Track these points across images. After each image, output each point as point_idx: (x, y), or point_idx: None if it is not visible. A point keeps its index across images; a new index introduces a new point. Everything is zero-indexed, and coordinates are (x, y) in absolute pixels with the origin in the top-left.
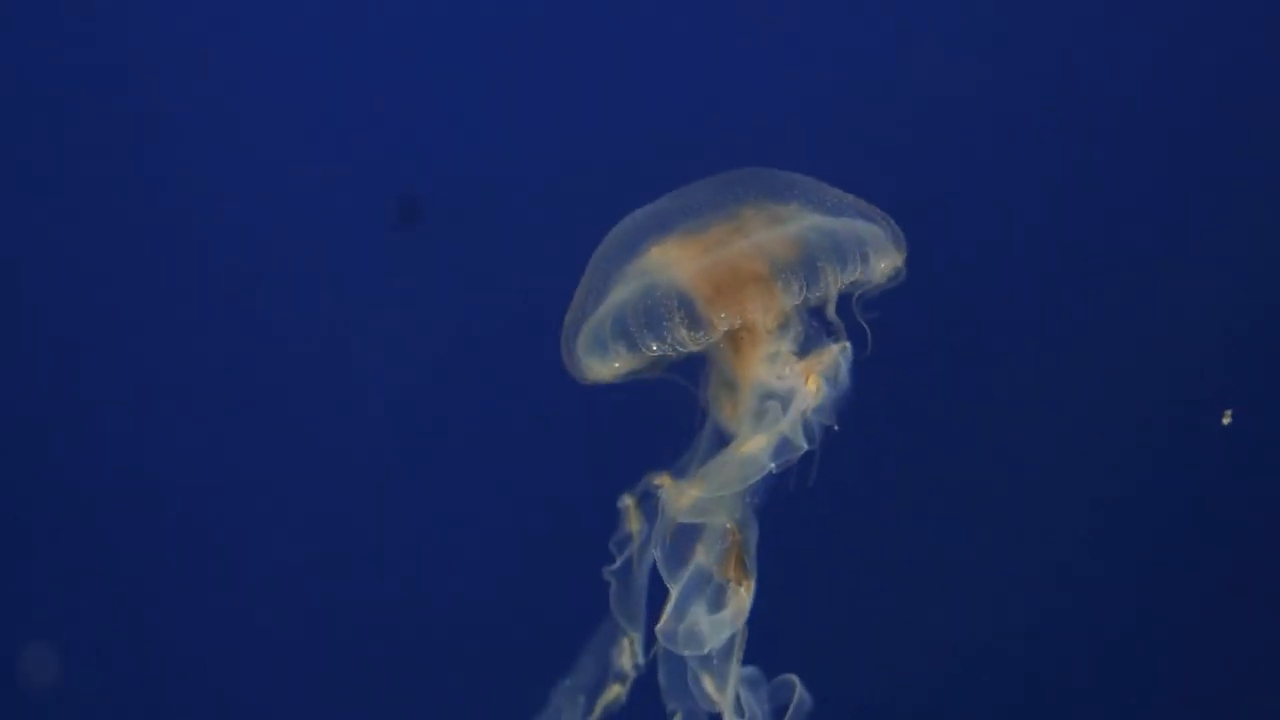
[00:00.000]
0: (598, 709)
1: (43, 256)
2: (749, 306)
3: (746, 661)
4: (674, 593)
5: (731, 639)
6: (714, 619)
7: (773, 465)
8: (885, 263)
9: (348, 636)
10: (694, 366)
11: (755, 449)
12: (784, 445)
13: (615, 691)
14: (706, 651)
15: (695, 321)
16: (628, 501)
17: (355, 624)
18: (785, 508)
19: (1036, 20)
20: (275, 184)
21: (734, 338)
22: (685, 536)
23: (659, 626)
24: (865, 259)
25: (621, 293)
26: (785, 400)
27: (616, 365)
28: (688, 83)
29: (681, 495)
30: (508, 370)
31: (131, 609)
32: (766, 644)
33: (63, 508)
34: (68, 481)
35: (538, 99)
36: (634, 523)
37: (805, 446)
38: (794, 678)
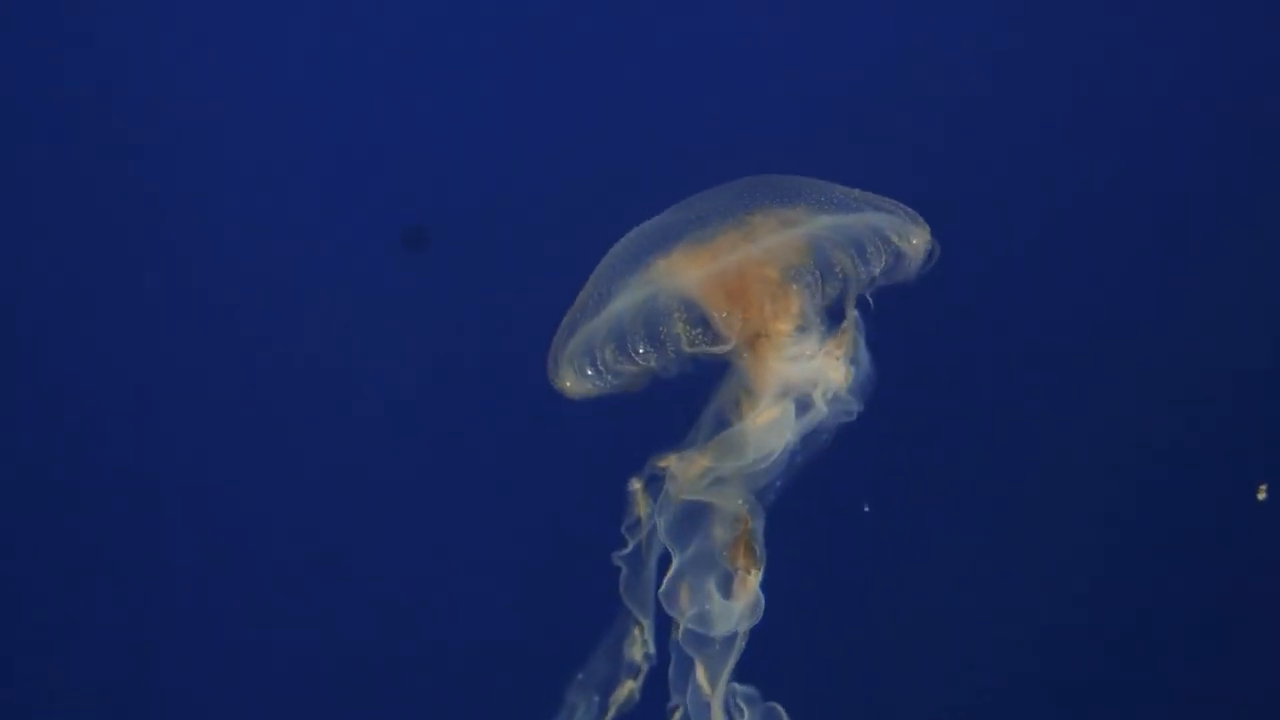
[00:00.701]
0: (611, 707)
1: (47, 270)
2: (762, 312)
3: (748, 662)
4: (676, 560)
5: (732, 641)
6: (724, 604)
7: (791, 437)
8: (915, 240)
9: (354, 644)
10: (689, 380)
11: (770, 420)
12: (801, 415)
13: (628, 688)
14: (713, 634)
15: (708, 330)
16: (636, 485)
17: (362, 632)
18: (792, 508)
19: (1047, 12)
20: (280, 196)
21: (752, 343)
22: (693, 514)
23: (661, 590)
24: (888, 243)
25: (623, 302)
26: (806, 399)
27: (597, 377)
28: (690, 94)
29: (690, 466)
30: (510, 383)
31: (133, 612)
32: (769, 645)
33: (69, 511)
34: (75, 486)
35: (539, 112)
36: (642, 507)
37: (823, 410)
38: (780, 708)
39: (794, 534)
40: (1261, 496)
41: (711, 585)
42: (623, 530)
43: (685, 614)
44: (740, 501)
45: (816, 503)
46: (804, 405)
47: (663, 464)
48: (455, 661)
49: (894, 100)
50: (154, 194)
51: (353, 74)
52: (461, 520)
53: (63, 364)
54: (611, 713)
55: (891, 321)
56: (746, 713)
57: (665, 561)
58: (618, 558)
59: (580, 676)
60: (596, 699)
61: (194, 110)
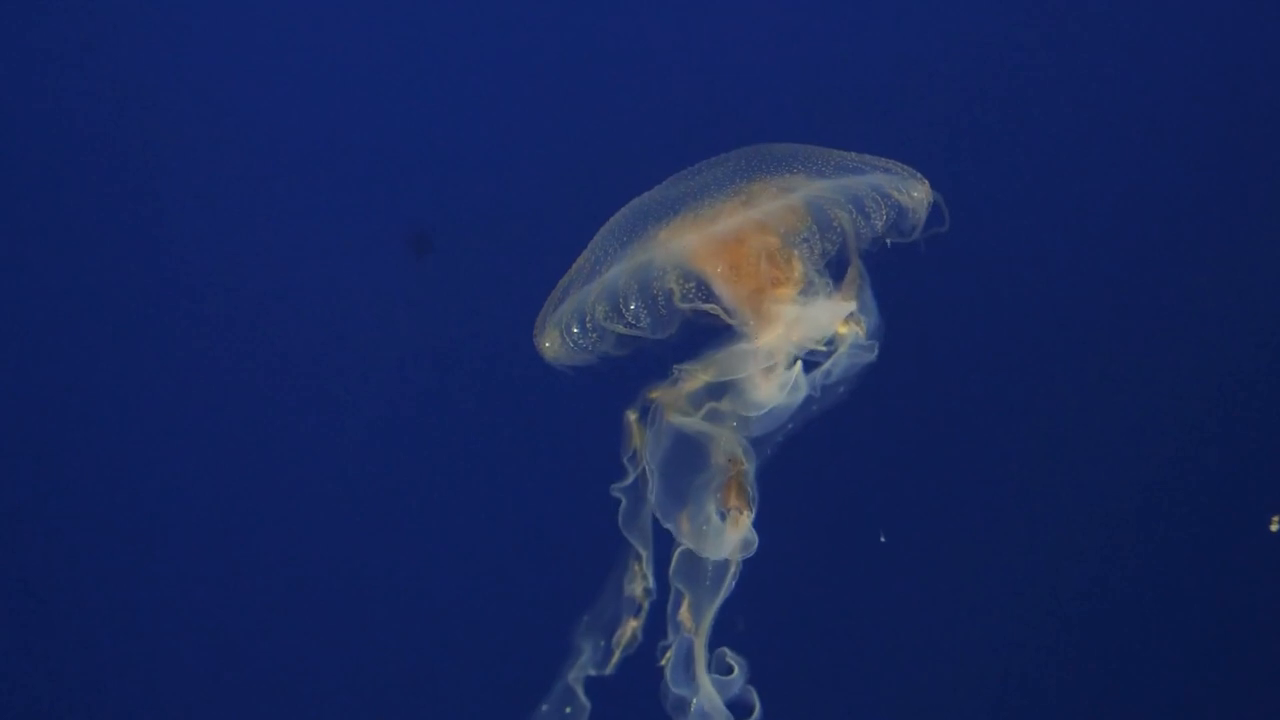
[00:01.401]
0: (616, 650)
1: (48, 276)
2: (764, 277)
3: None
4: (661, 482)
5: (723, 575)
6: (720, 526)
7: (797, 395)
8: (916, 194)
9: (358, 646)
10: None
11: (771, 341)
12: (812, 369)
13: (631, 627)
14: (705, 554)
15: (702, 288)
16: (630, 416)
17: (366, 634)
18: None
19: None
20: (284, 204)
21: (755, 306)
22: (688, 444)
23: (653, 502)
24: (888, 198)
25: (618, 269)
26: (817, 352)
27: (582, 337)
28: (696, 94)
29: (686, 384)
30: (513, 388)
31: (131, 612)
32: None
33: (68, 516)
34: (76, 489)
35: (540, 115)
36: (637, 438)
37: (841, 358)
38: (754, 693)
39: (796, 520)
40: (1275, 529)
41: (710, 508)
42: (623, 460)
43: (682, 531)
44: (734, 440)
45: (819, 491)
46: (816, 356)
47: (654, 394)
48: (456, 663)
49: (893, 88)
50: (157, 201)
51: (353, 79)
52: (462, 522)
53: (59, 366)
54: (616, 655)
55: (898, 314)
56: (735, 670)
57: None
58: (617, 489)
59: (586, 619)
60: (603, 643)
61: (197, 118)
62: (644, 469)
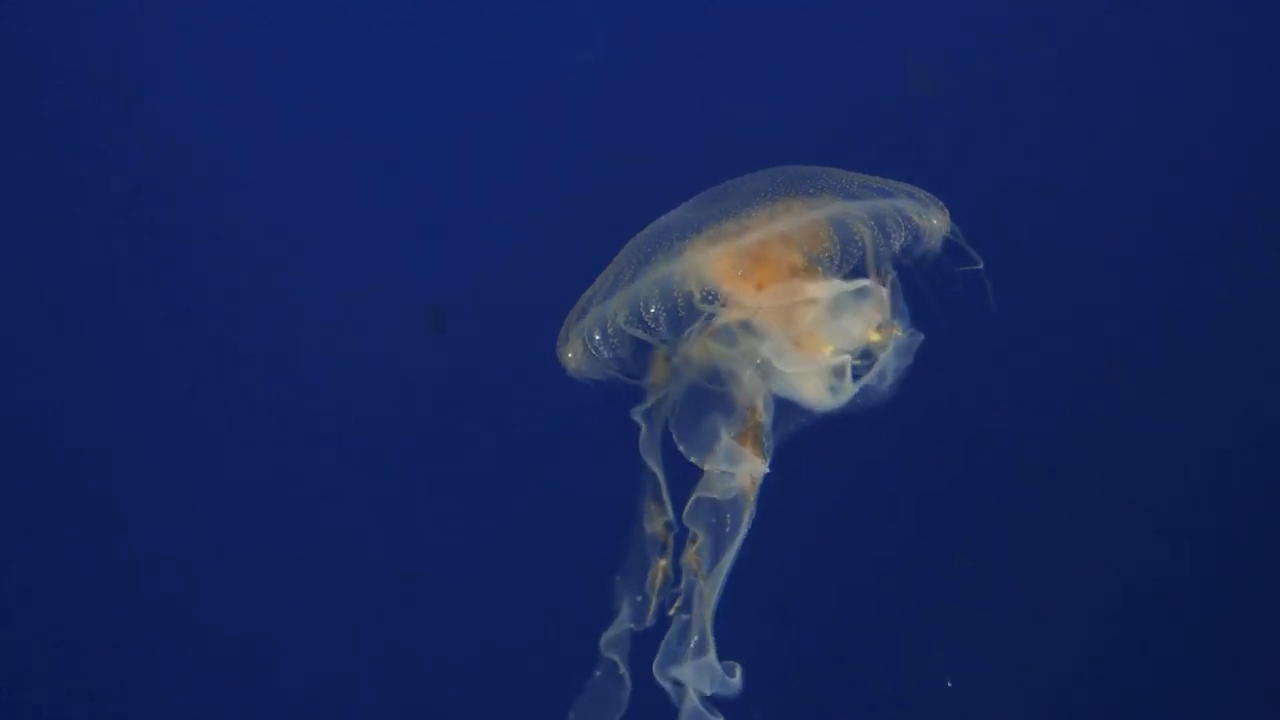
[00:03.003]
0: (652, 597)
1: (64, 337)
2: (790, 293)
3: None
4: (676, 401)
5: (739, 518)
6: (733, 445)
7: (835, 397)
8: (935, 220)
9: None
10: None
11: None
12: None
13: (662, 567)
14: (713, 467)
15: (734, 310)
16: (658, 352)
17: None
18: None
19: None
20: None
21: (785, 322)
22: (710, 376)
23: (671, 423)
24: (909, 221)
25: (641, 282)
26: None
27: (604, 344)
28: (706, 103)
29: (733, 309)
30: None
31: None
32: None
33: (78, 562)
34: (95, 544)
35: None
36: (659, 374)
37: (886, 357)
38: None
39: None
40: None
41: (726, 435)
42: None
43: (692, 450)
44: (757, 388)
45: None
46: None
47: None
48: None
49: (917, 114)
50: (172, 261)
51: (352, 76)
52: (477, 530)
53: (77, 423)
54: (654, 602)
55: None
56: (737, 673)
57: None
58: (636, 413)
59: (618, 579)
60: (639, 598)
61: (212, 194)
62: (663, 394)
